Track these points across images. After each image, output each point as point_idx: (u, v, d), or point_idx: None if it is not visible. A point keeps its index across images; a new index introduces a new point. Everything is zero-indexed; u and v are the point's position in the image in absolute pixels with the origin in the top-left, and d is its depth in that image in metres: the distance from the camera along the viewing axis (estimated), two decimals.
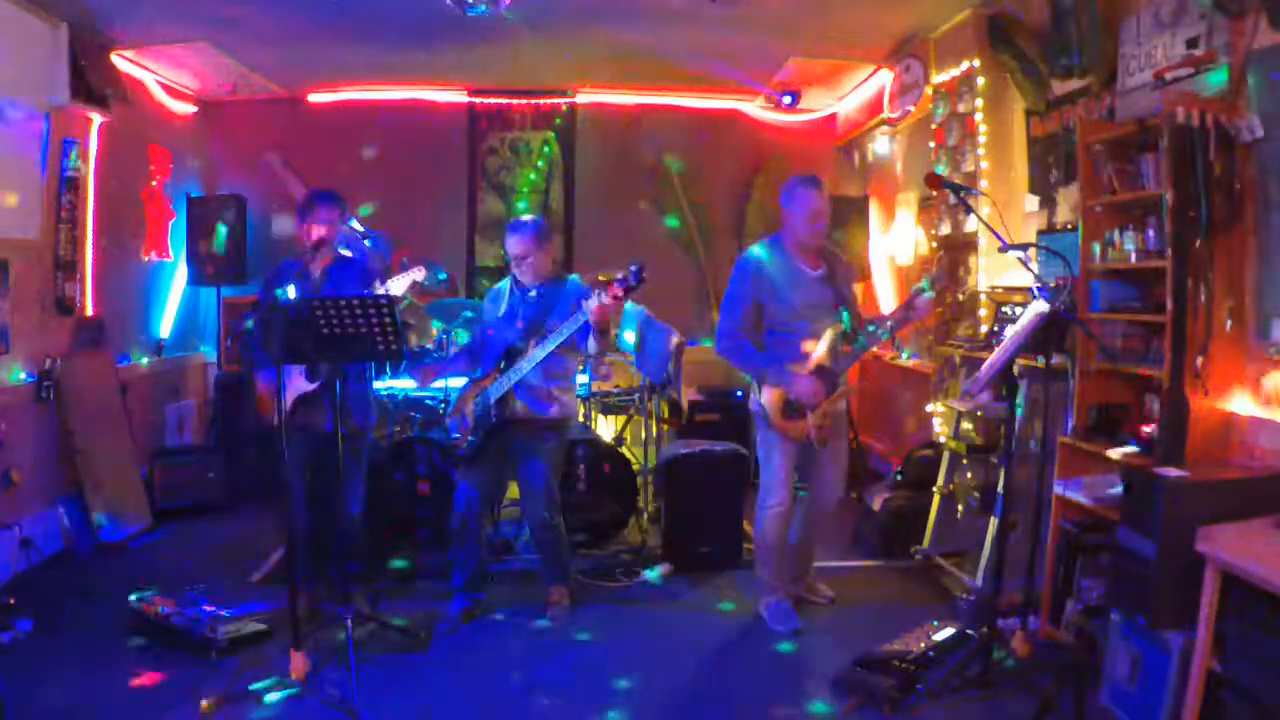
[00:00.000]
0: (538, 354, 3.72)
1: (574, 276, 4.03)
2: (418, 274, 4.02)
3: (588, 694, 3.34)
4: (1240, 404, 3.15)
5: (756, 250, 3.86)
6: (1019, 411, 3.68)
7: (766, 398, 3.75)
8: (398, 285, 3.96)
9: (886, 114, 5.95)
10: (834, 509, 4.05)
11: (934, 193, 5.32)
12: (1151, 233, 3.35)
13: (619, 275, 3.58)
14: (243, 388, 5.85)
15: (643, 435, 5.31)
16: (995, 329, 4.28)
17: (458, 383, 4.59)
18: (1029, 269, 3.33)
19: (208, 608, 3.70)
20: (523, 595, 4.18)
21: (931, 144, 5.39)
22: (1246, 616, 2.53)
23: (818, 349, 3.72)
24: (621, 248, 7.15)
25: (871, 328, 3.76)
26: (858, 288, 4.16)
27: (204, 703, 3.08)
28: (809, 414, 3.69)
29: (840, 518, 5.13)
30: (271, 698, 3.14)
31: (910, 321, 3.81)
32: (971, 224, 4.90)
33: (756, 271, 3.77)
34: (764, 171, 7.17)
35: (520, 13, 4.30)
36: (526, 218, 4.01)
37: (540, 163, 7.24)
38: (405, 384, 5.59)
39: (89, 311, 5.26)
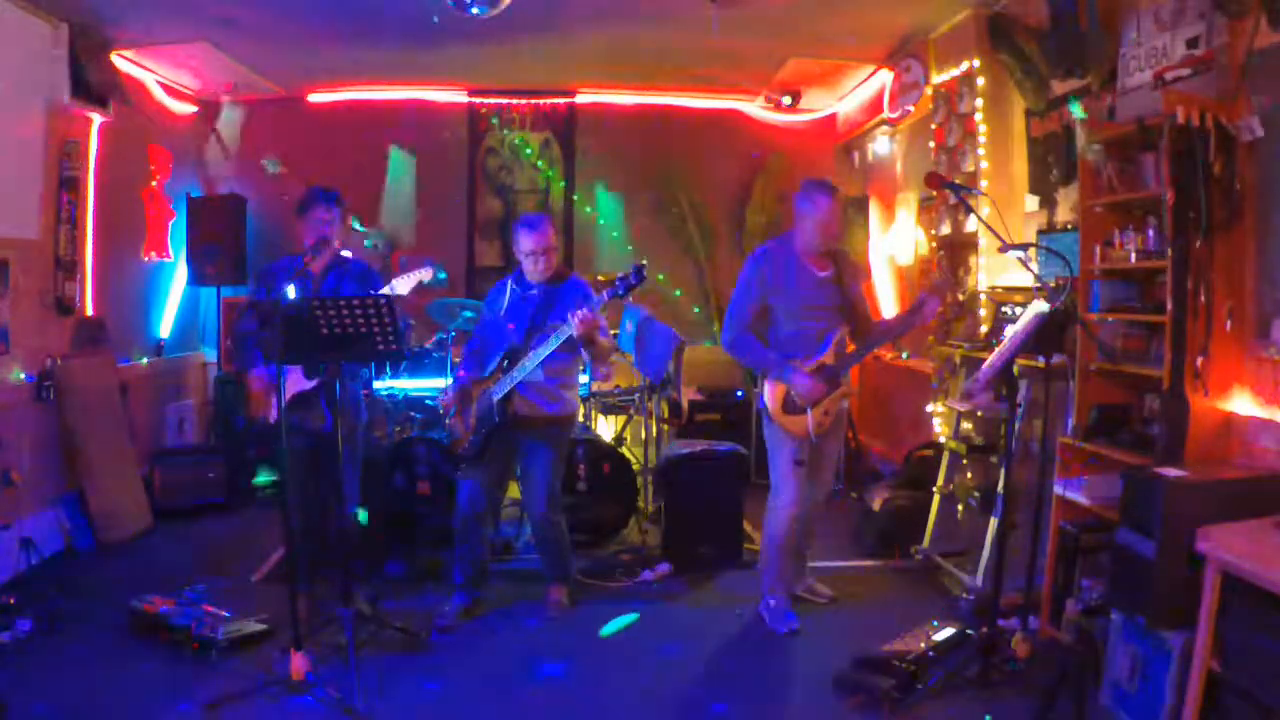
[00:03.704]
0: (527, 363, 3.75)
1: (574, 275, 4.03)
2: (424, 274, 4.01)
3: (588, 693, 3.34)
4: (1240, 404, 3.15)
5: (767, 248, 3.88)
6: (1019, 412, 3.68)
7: (769, 393, 3.79)
8: (403, 285, 3.95)
9: (886, 114, 5.95)
10: (824, 501, 4.10)
11: (934, 193, 5.33)
12: (1151, 233, 3.35)
13: (619, 274, 3.59)
14: (242, 388, 5.86)
15: (643, 435, 5.31)
16: (995, 329, 4.29)
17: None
18: (1029, 269, 3.34)
19: (208, 608, 3.71)
20: (523, 595, 4.18)
21: (931, 144, 5.39)
22: (1246, 616, 2.53)
23: (821, 347, 3.75)
24: (621, 247, 7.18)
25: (867, 343, 3.84)
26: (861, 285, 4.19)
27: None
28: (810, 410, 3.71)
29: (840, 518, 5.14)
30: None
31: (915, 326, 3.87)
32: (971, 224, 4.90)
33: (765, 269, 3.79)
34: (764, 171, 7.18)
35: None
36: (535, 213, 4.04)
37: (540, 163, 7.24)
38: (405, 384, 5.60)
39: (89, 311, 5.26)
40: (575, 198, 7.23)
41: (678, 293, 7.20)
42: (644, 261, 3.60)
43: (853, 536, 5.05)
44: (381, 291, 3.72)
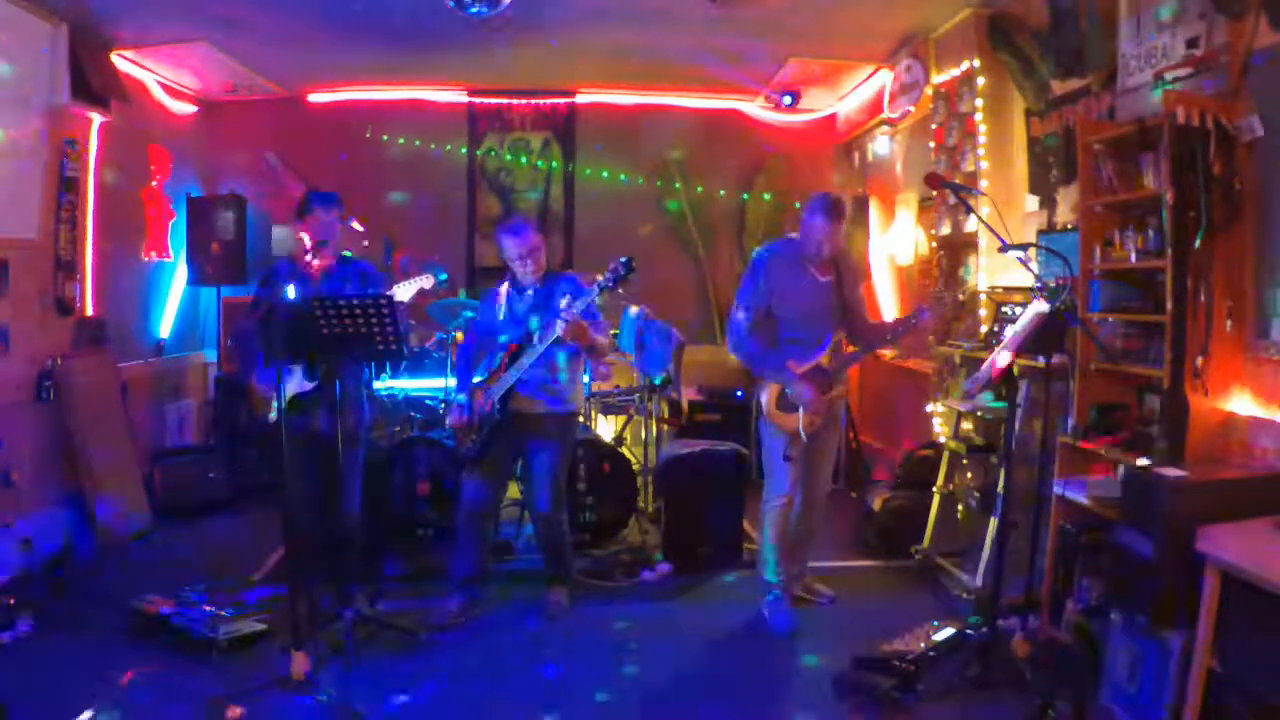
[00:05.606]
0: (524, 360, 3.76)
1: (568, 273, 4.04)
2: (425, 281, 4.02)
3: (587, 694, 3.34)
4: (1240, 404, 3.15)
5: (771, 250, 3.94)
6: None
7: (766, 391, 3.84)
8: (404, 291, 3.95)
9: (886, 114, 5.95)
10: (824, 498, 4.10)
11: (934, 193, 5.32)
12: (1151, 233, 3.35)
13: (609, 266, 3.63)
14: (242, 388, 5.86)
15: (643, 435, 5.31)
16: (995, 329, 4.29)
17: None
18: (1029, 269, 3.33)
19: (208, 608, 3.71)
20: (522, 595, 4.18)
21: (931, 144, 5.39)
22: (1246, 616, 2.53)
23: (818, 349, 3.79)
24: (621, 248, 7.15)
25: (864, 346, 3.91)
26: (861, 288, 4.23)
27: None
28: (802, 409, 3.77)
29: (840, 518, 5.15)
30: None
31: (910, 333, 3.93)
32: (971, 224, 4.90)
33: (769, 271, 3.85)
34: (764, 171, 7.18)
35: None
36: (517, 218, 4.07)
37: (540, 163, 7.24)
38: (405, 384, 5.60)
39: (89, 311, 5.25)
40: (575, 196, 7.23)
41: (678, 293, 7.15)
42: (632, 254, 3.64)
43: (853, 536, 5.05)
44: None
